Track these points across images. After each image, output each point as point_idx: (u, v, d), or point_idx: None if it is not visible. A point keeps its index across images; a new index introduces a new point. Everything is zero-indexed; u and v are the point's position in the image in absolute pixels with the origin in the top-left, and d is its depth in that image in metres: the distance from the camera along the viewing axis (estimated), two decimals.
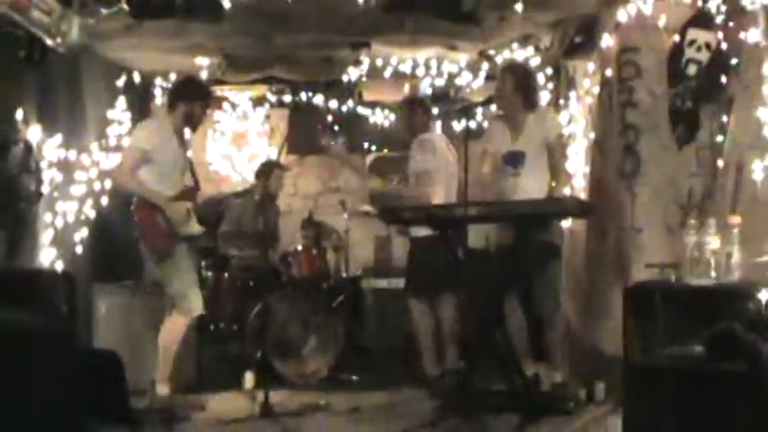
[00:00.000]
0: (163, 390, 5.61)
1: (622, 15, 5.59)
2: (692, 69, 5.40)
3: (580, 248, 6.27)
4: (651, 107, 5.50)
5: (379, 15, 6.04)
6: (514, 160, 5.73)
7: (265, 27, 6.35)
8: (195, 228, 5.92)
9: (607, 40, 5.80)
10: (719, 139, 5.25)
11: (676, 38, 5.41)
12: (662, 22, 5.45)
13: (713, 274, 4.15)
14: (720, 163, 5.16)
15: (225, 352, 7.00)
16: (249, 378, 6.33)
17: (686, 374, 3.47)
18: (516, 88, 5.78)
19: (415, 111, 6.66)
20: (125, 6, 5.31)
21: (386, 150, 9.65)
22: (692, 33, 5.37)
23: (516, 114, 5.81)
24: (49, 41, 5.23)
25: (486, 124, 7.58)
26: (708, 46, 5.32)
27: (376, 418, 5.58)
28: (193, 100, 5.86)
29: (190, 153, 6.26)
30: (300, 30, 6.42)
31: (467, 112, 7.52)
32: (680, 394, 3.48)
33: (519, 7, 5.51)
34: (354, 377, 6.87)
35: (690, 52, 5.38)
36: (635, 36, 5.57)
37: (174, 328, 5.71)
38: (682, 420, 3.50)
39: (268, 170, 7.79)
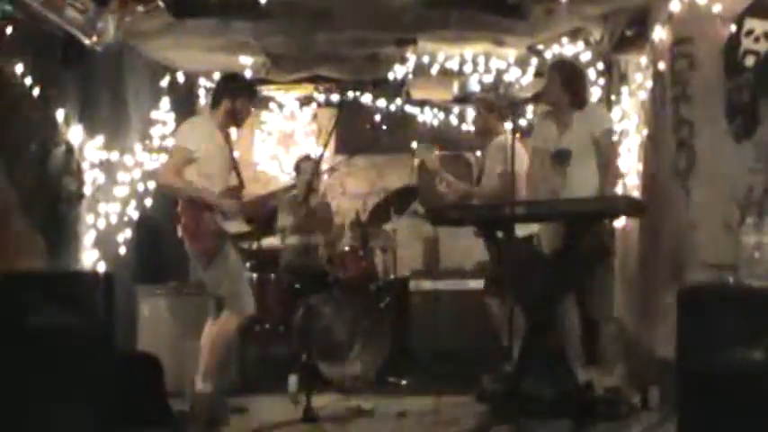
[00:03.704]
0: (204, 392, 5.53)
1: (675, 5, 5.38)
2: (749, 61, 5.12)
3: (634, 248, 6.09)
4: (706, 101, 5.27)
5: (424, 11, 5.95)
6: (561, 158, 5.56)
7: (307, 24, 6.27)
8: (243, 226, 5.85)
9: (659, 33, 5.60)
10: None
11: (733, 28, 5.15)
12: (717, 11, 5.20)
13: None
14: None
15: (269, 354, 6.90)
16: (293, 381, 6.21)
17: (744, 380, 3.30)
18: (564, 86, 5.62)
19: (489, 114, 6.56)
20: (161, 4, 5.23)
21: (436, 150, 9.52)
22: (750, 23, 5.09)
23: (564, 112, 5.65)
24: (85, 41, 5.17)
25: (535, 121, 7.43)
26: (767, 36, 5.08)
27: (422, 423, 5.43)
28: (237, 96, 5.77)
29: (236, 153, 6.21)
30: (343, 27, 6.34)
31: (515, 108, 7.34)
32: (737, 401, 3.32)
33: None
34: (403, 381, 6.74)
35: (747, 43, 5.10)
36: (688, 27, 5.36)
37: (221, 329, 5.63)
38: (739, 428, 3.35)
39: (303, 165, 7.68)
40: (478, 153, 6.96)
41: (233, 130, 6.43)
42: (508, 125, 6.52)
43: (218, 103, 5.81)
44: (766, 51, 5.08)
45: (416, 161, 9.53)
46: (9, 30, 4.82)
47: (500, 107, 6.59)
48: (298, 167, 7.80)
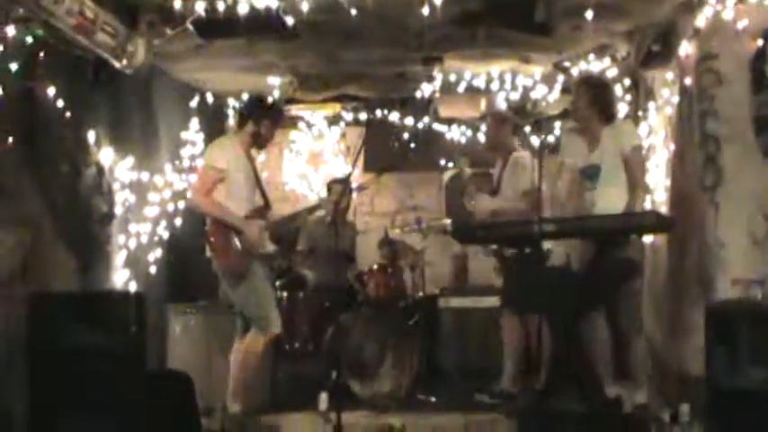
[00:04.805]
0: (235, 410, 5.57)
1: (701, 21, 5.37)
2: None
3: (662, 264, 6.05)
4: (733, 116, 5.26)
5: (451, 29, 5.95)
6: (591, 174, 5.56)
7: (334, 44, 6.31)
8: (269, 247, 5.89)
9: (686, 48, 5.59)
10: None
11: (759, 42, 5.15)
12: (743, 26, 5.20)
13: None
14: None
15: (299, 372, 6.92)
16: (323, 399, 6.22)
17: None
18: (592, 101, 5.61)
19: (501, 127, 6.56)
20: (190, 27, 5.30)
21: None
22: None
23: (592, 128, 5.64)
24: (115, 63, 5.25)
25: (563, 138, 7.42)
26: None
27: None
28: (262, 119, 5.84)
29: (265, 173, 6.24)
30: (370, 46, 6.37)
31: (542, 125, 7.30)
32: (766, 417, 3.30)
33: (591, 15, 5.32)
34: (433, 398, 6.73)
35: None
36: (715, 42, 5.35)
37: (247, 348, 5.67)
38: None
39: (334, 187, 7.72)
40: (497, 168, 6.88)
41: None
42: (534, 140, 6.54)
43: (244, 124, 5.87)
44: None
45: (445, 178, 9.57)
46: (41, 54, 4.92)
47: (514, 121, 6.59)
48: (329, 189, 7.85)
